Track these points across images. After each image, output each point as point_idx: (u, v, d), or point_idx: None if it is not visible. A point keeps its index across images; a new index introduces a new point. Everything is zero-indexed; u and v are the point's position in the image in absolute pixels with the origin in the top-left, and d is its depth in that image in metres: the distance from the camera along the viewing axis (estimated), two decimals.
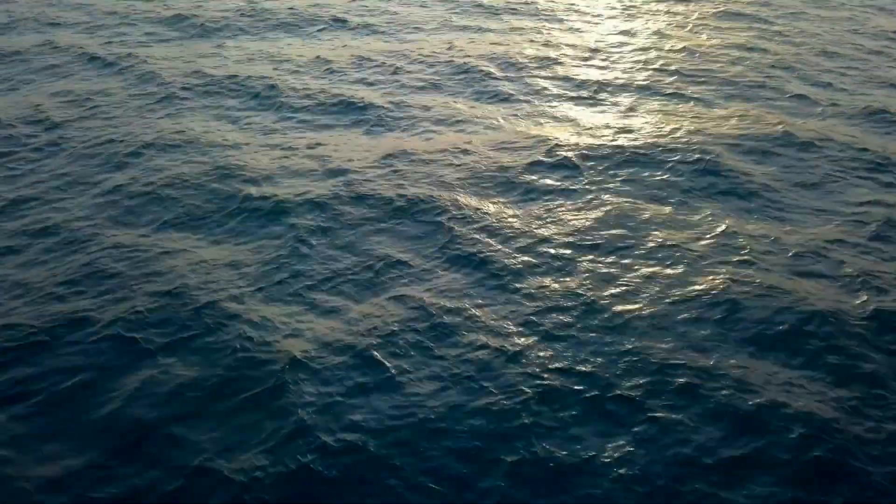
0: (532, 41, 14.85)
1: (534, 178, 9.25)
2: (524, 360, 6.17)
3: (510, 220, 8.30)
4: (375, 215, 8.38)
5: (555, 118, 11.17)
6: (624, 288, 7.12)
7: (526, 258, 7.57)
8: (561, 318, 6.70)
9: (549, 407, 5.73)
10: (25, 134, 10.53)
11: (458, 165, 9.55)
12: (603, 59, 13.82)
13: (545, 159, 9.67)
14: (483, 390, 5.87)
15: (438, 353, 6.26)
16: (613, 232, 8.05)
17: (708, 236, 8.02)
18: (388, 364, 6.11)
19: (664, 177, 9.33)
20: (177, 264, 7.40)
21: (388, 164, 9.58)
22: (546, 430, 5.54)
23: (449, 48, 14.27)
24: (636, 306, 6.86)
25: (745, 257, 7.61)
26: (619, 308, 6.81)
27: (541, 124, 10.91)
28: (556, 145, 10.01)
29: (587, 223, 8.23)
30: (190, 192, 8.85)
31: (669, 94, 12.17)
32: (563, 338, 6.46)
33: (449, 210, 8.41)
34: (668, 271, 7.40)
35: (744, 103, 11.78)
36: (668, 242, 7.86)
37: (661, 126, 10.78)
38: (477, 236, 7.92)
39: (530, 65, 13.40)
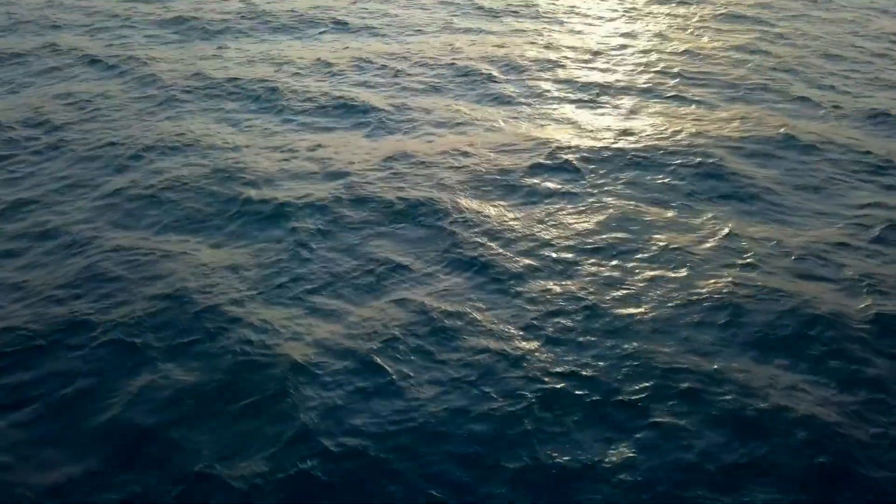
0: (533, 43, 14.83)
1: (535, 180, 9.22)
2: (526, 365, 6.13)
3: (512, 223, 8.27)
4: (376, 218, 8.36)
5: (556, 121, 11.15)
6: (626, 291, 7.09)
7: (527, 261, 7.54)
8: (563, 322, 6.67)
9: (551, 412, 5.70)
10: (25, 136, 10.51)
11: (460, 168, 9.52)
12: (604, 62, 13.79)
13: (547, 162, 9.64)
14: (484, 395, 5.84)
15: (440, 358, 6.23)
16: (615, 235, 8.02)
17: (710, 239, 7.98)
18: (389, 368, 6.08)
19: (666, 180, 9.30)
20: (177, 268, 7.37)
21: (389, 166, 9.55)
22: (548, 436, 5.51)
23: (450, 50, 14.25)
24: (638, 310, 6.82)
25: (748, 260, 7.58)
26: (622, 312, 6.78)
27: (542, 127, 10.89)
28: (558, 148, 9.98)
29: (589, 226, 8.20)
30: (190, 195, 8.83)
31: (671, 96, 12.14)
32: (565, 342, 6.43)
33: (450, 213, 8.38)
34: (671, 275, 7.37)
35: (746, 106, 11.75)
36: (671, 246, 7.83)
37: (663, 129, 10.75)
38: (478, 239, 7.89)
39: (532, 67, 13.37)
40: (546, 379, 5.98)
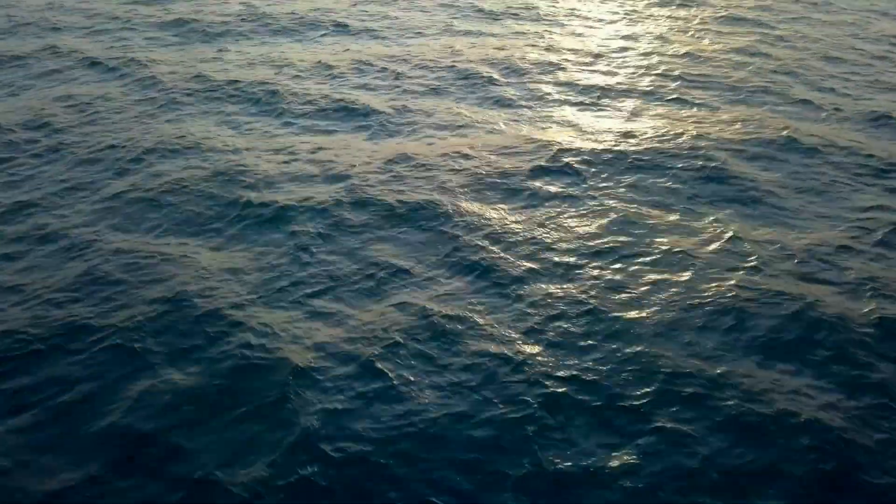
0: (534, 46, 14.81)
1: (537, 183, 9.19)
2: (527, 369, 6.10)
3: (513, 226, 8.23)
4: (377, 221, 8.33)
5: (557, 123, 11.12)
6: (628, 295, 7.05)
7: (529, 265, 7.50)
8: (564, 326, 6.63)
9: (553, 417, 5.66)
10: (25, 139, 10.48)
11: (461, 171, 9.49)
12: (605, 64, 13.77)
13: (548, 165, 9.61)
14: (486, 400, 5.81)
15: (441, 362, 6.19)
16: (617, 238, 7.99)
17: (713, 243, 7.95)
18: (390, 373, 6.05)
19: (668, 182, 9.27)
20: (177, 271, 7.33)
21: (390, 169, 9.52)
22: (550, 441, 5.47)
23: (451, 53, 14.23)
24: (641, 314, 6.79)
25: (751, 264, 7.55)
26: (624, 316, 6.74)
27: (543, 129, 10.86)
28: (559, 151, 9.95)
29: (591, 229, 8.17)
30: (191, 198, 8.80)
31: (672, 99, 12.12)
32: (567, 346, 6.39)
33: (451, 216, 8.35)
34: (673, 278, 7.33)
35: (747, 108, 11.73)
36: (673, 249, 7.80)
37: (665, 131, 10.72)
38: (480, 243, 7.86)
39: (532, 70, 13.35)
40: (548, 384, 5.95)
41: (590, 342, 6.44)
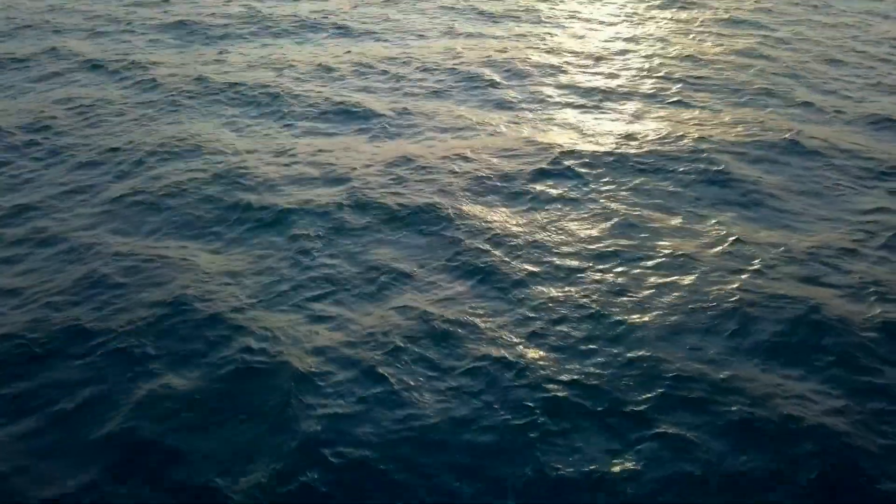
0: (535, 48, 14.79)
1: (538, 186, 9.16)
2: (529, 374, 6.06)
3: (514, 229, 8.20)
4: (378, 224, 8.30)
5: (559, 126, 11.09)
6: (631, 299, 7.02)
7: (531, 268, 7.47)
8: (567, 330, 6.60)
9: (555, 422, 5.62)
10: (26, 142, 10.46)
11: (462, 173, 9.46)
12: (607, 67, 13.75)
13: (550, 167, 9.59)
14: (487, 405, 5.77)
15: (442, 367, 6.16)
16: (619, 241, 7.96)
17: (716, 246, 7.92)
18: (391, 377, 6.01)
19: (670, 185, 9.24)
20: (177, 275, 7.30)
21: (391, 172, 9.50)
22: (552, 446, 5.43)
23: (452, 55, 14.22)
24: (643, 318, 6.75)
25: (754, 267, 7.52)
26: (627, 320, 6.71)
27: (545, 132, 10.83)
28: (561, 153, 9.92)
29: (593, 232, 8.14)
30: (191, 201, 8.77)
31: (674, 101, 12.10)
32: (569, 350, 6.36)
33: (453, 219, 8.32)
34: (676, 282, 7.30)
35: (749, 111, 11.70)
36: (676, 252, 7.77)
37: (667, 134, 10.70)
38: (481, 246, 7.83)
39: (534, 72, 13.33)
40: (550, 388, 5.91)
41: (592, 346, 6.40)
